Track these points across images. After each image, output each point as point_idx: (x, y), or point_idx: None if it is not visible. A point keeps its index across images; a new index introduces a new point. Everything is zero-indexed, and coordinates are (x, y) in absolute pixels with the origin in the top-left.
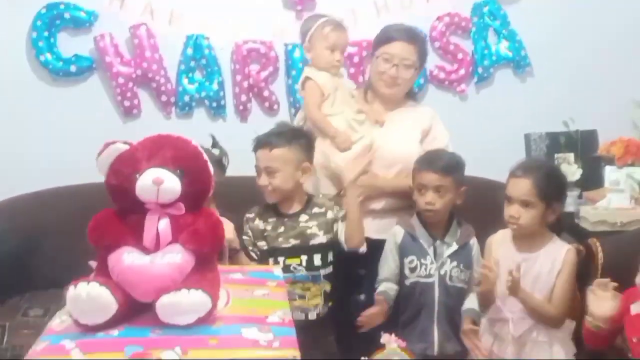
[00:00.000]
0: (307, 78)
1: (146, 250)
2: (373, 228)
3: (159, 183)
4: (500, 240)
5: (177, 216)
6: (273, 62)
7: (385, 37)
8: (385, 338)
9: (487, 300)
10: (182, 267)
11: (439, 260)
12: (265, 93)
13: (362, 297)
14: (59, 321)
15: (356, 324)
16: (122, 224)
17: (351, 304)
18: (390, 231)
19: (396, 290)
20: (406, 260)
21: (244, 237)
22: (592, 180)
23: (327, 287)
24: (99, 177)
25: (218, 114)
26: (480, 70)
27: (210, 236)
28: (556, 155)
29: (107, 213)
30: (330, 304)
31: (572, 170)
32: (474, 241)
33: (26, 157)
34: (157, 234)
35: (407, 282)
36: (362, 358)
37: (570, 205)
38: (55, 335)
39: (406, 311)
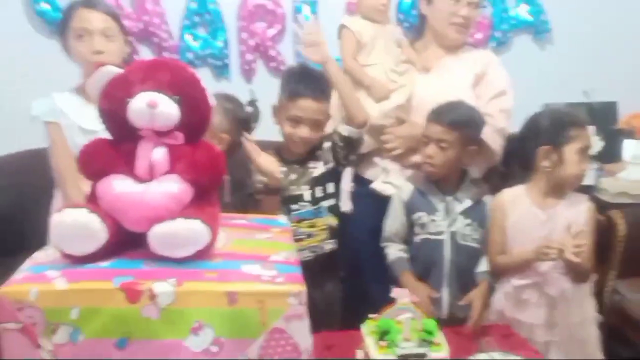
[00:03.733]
0: (343, 26)
1: (139, 180)
2: None
3: (153, 106)
4: (513, 199)
5: (174, 146)
6: (280, 20)
7: None
8: (396, 292)
9: (525, 268)
10: (178, 197)
11: (450, 217)
12: (272, 52)
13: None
14: (43, 254)
15: None
16: (114, 152)
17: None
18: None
19: (405, 248)
20: (415, 217)
21: (257, 185)
22: (611, 153)
23: (332, 221)
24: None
25: (222, 73)
26: (498, 34)
27: (210, 167)
28: None
29: (98, 141)
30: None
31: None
32: (487, 199)
33: (24, 112)
34: (151, 166)
35: (417, 239)
36: (370, 316)
37: (589, 178)
38: (38, 265)
39: (415, 270)
